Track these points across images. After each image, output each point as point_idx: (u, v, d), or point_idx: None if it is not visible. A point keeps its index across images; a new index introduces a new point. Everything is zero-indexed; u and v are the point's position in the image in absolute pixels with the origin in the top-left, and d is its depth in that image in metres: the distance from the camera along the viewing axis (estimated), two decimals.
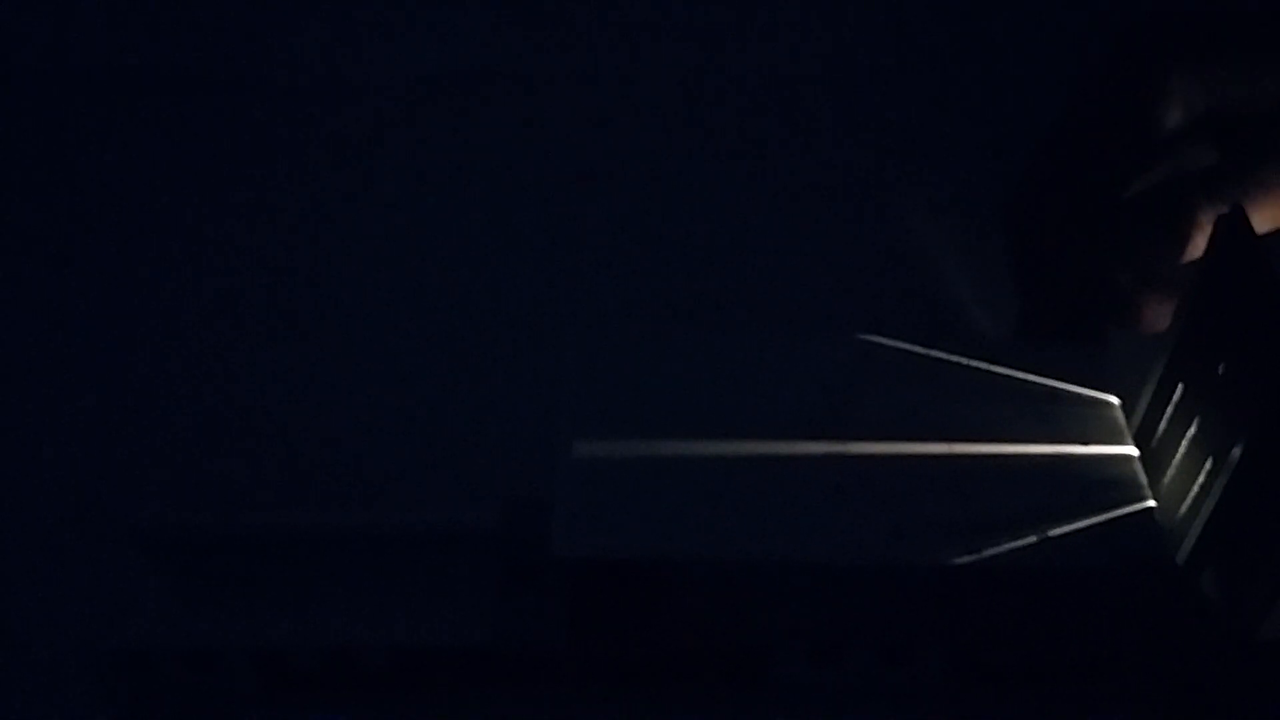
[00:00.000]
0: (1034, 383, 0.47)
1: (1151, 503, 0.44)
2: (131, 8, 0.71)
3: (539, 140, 0.67)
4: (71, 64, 0.70)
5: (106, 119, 0.68)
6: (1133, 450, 0.46)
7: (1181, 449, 0.45)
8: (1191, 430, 0.44)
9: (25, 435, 0.53)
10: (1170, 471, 0.45)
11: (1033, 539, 0.43)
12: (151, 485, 0.51)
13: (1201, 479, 0.43)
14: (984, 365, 0.48)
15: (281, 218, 0.63)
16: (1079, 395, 0.47)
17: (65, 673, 0.45)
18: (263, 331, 0.57)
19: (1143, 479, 0.45)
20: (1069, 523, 0.43)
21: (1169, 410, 0.46)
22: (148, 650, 0.44)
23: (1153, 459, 0.46)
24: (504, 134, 0.67)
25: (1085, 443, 0.46)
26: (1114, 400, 0.47)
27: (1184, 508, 0.44)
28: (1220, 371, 0.43)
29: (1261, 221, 0.47)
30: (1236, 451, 0.41)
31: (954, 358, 0.48)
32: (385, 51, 0.72)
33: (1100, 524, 0.44)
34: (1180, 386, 0.46)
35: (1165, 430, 0.46)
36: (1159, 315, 0.49)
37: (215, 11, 0.72)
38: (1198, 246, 0.47)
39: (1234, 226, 0.44)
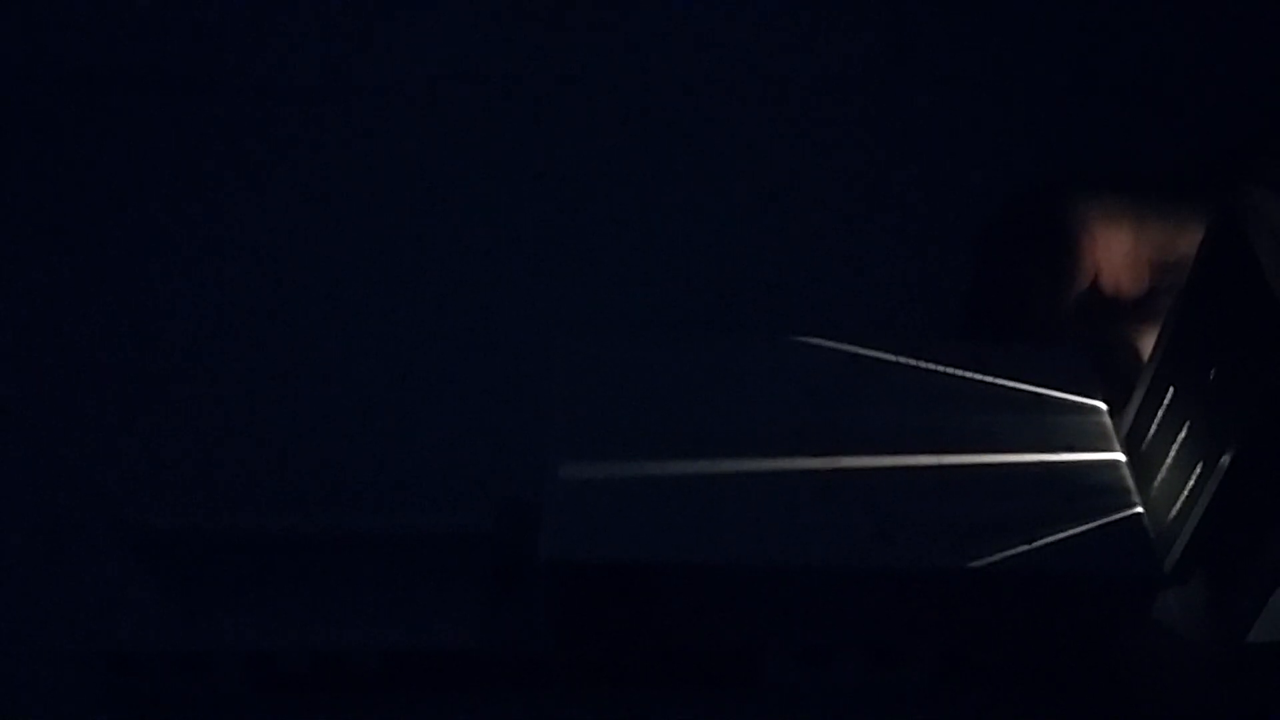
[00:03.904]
0: (1022, 389, 0.47)
1: (1139, 509, 0.44)
2: (131, 8, 0.72)
3: (536, 143, 0.67)
4: (70, 64, 0.70)
5: (105, 119, 0.68)
6: (1120, 456, 0.46)
7: (1171, 454, 0.45)
8: (1181, 435, 0.44)
9: (17, 438, 0.53)
10: (1159, 477, 0.45)
11: (1021, 544, 0.43)
12: (144, 488, 0.51)
13: (1191, 484, 0.43)
14: (973, 372, 0.48)
15: (279, 219, 0.63)
16: (1067, 401, 0.47)
17: (56, 674, 0.45)
18: (255, 333, 0.57)
19: (1131, 484, 0.45)
20: (1057, 528, 0.43)
21: (1158, 416, 0.46)
22: (139, 652, 0.44)
23: (1142, 464, 0.46)
24: (502, 137, 0.67)
25: (1073, 449, 0.46)
26: (1102, 406, 0.47)
27: (1173, 513, 0.44)
28: (1210, 377, 0.43)
29: None
30: (1226, 458, 0.41)
31: (942, 365, 0.48)
32: (385, 51, 0.72)
33: (1088, 530, 0.43)
34: (1170, 391, 0.45)
35: (1155, 436, 0.46)
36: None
37: (215, 11, 0.72)
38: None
39: (1225, 232, 0.44)
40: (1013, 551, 0.42)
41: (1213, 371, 0.43)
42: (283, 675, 0.45)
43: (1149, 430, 0.46)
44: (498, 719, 0.46)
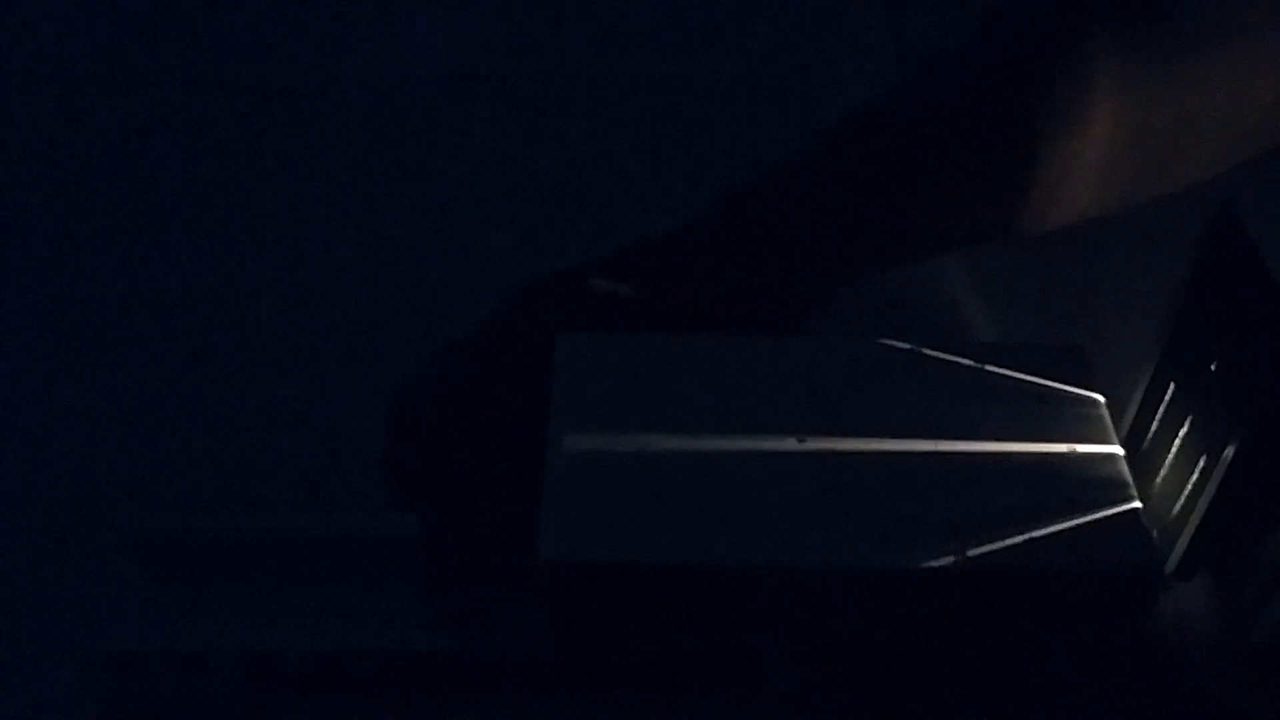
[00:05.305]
0: (1020, 382, 0.47)
1: (1138, 504, 0.44)
2: (131, 8, 0.72)
3: (536, 143, 0.67)
4: (70, 64, 0.70)
5: (105, 119, 0.68)
6: (1118, 450, 0.46)
7: (1173, 450, 0.44)
8: (1183, 431, 0.44)
9: (14, 440, 0.53)
10: (1162, 472, 0.45)
11: (1019, 540, 0.42)
12: (143, 488, 0.51)
13: (1194, 479, 0.43)
14: (970, 365, 0.48)
15: (278, 219, 0.63)
16: (1065, 394, 0.47)
17: (53, 675, 0.45)
18: (255, 333, 0.57)
19: (1128, 478, 0.45)
20: (1055, 524, 0.43)
21: (1160, 410, 0.46)
22: (135, 653, 0.44)
23: (1143, 459, 0.46)
24: (502, 137, 0.67)
25: (1071, 442, 0.45)
26: (1099, 399, 0.47)
27: (1176, 508, 0.44)
28: (1213, 370, 0.43)
29: None
30: (1229, 451, 0.41)
31: (939, 357, 0.48)
32: (384, 51, 0.72)
33: (1088, 529, 0.43)
34: (1172, 385, 0.45)
35: (1156, 430, 0.46)
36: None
37: (215, 11, 0.72)
38: None
39: (1226, 224, 0.44)
40: (1012, 550, 0.42)
41: (1214, 365, 0.43)
42: (283, 675, 0.45)
43: (1150, 427, 0.46)
44: (498, 719, 0.46)
